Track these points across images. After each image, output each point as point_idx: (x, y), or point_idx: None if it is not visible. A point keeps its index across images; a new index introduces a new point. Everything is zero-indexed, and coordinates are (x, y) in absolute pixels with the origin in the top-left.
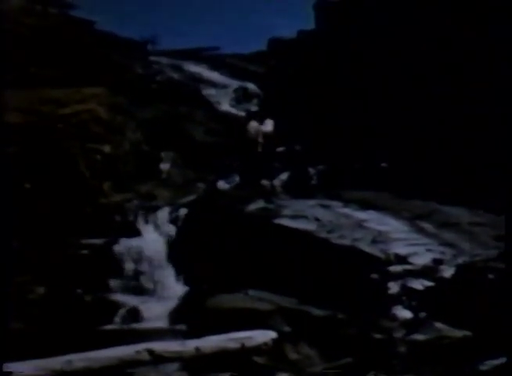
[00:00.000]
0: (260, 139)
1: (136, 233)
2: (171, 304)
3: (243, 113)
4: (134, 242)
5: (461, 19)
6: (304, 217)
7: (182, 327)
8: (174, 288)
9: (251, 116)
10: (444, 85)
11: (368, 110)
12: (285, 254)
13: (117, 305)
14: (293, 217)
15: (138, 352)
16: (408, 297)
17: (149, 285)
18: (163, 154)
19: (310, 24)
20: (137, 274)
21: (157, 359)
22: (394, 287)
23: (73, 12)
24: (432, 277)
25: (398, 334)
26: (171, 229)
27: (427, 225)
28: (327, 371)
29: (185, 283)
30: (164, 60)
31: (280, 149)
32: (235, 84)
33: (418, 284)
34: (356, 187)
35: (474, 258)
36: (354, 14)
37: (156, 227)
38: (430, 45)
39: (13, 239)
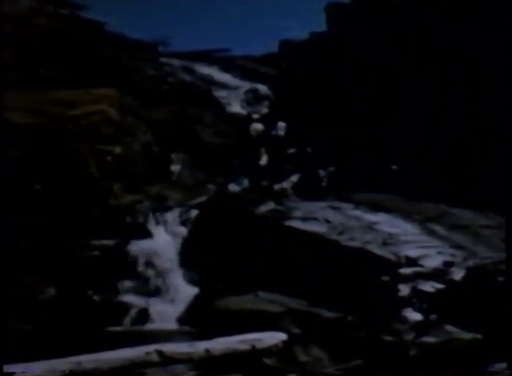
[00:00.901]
0: (262, 141)
1: (147, 234)
2: (181, 305)
3: (253, 115)
4: (144, 243)
5: (472, 25)
6: (315, 219)
7: (191, 328)
8: (185, 290)
9: (253, 117)
10: (455, 88)
11: (379, 112)
12: (295, 256)
13: (126, 307)
14: (304, 219)
15: (147, 353)
16: (418, 299)
17: (159, 286)
18: (173, 156)
19: (322, 26)
20: (147, 275)
21: (167, 360)
22: (404, 290)
23: (84, 13)
24: (443, 280)
25: (409, 337)
26: (182, 231)
27: (437, 228)
28: (337, 373)
29: (196, 284)
30: (175, 62)
31: (291, 150)
32: (246, 85)
33: (429, 287)
34: (367, 189)
35: (485, 260)
36: (366, 16)
37: (167, 228)
38: (443, 48)
39: (19, 240)
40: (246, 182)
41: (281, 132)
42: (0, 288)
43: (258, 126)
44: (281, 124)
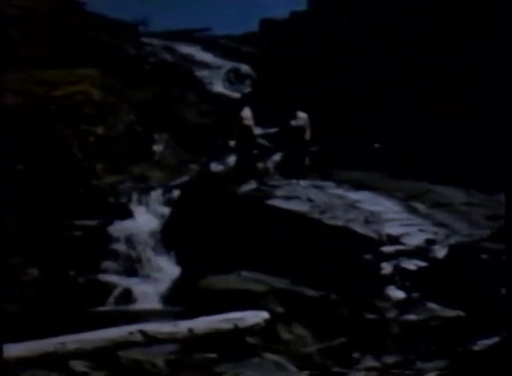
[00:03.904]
0: (253, 126)
1: (129, 214)
2: (164, 285)
3: (236, 95)
4: (127, 223)
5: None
6: (297, 198)
7: (174, 308)
8: (167, 269)
9: (245, 101)
10: (436, 65)
11: (361, 91)
12: (278, 235)
13: (110, 287)
14: (286, 198)
15: (131, 333)
16: (401, 277)
17: (142, 266)
18: (156, 136)
19: (302, 5)
20: (130, 256)
21: (150, 340)
22: (387, 268)
23: None
24: (425, 257)
25: (391, 315)
26: (164, 211)
27: (419, 206)
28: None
29: (178, 264)
30: (156, 42)
31: (273, 130)
32: (227, 65)
33: (411, 264)
34: (349, 168)
35: (467, 238)
36: None
37: (149, 208)
38: (422, 25)
39: (7, 221)
40: (229, 162)
41: (301, 123)
42: None
43: (249, 111)
44: (302, 115)
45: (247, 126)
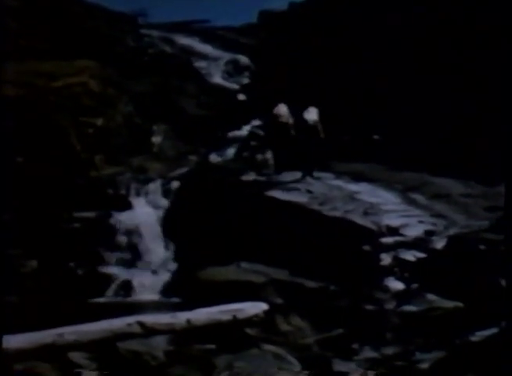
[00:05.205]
0: (290, 122)
1: (128, 206)
2: (163, 276)
3: (234, 86)
4: (126, 215)
5: None
6: (296, 189)
7: (173, 299)
8: (166, 261)
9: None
10: (436, 56)
11: (359, 82)
12: (277, 227)
13: (109, 278)
14: (286, 189)
15: (129, 324)
16: (400, 268)
17: (141, 258)
18: (155, 127)
19: None
20: (129, 247)
21: (148, 331)
22: (386, 259)
23: None
24: (424, 248)
25: (390, 306)
26: (163, 202)
27: (418, 197)
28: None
29: (178, 255)
30: (155, 33)
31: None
32: (226, 56)
33: (410, 256)
34: (348, 160)
35: (466, 229)
36: None
37: (148, 200)
38: (423, 17)
39: (6, 213)
40: (228, 153)
41: (315, 117)
42: None
43: (285, 108)
44: (314, 109)
45: (284, 123)
